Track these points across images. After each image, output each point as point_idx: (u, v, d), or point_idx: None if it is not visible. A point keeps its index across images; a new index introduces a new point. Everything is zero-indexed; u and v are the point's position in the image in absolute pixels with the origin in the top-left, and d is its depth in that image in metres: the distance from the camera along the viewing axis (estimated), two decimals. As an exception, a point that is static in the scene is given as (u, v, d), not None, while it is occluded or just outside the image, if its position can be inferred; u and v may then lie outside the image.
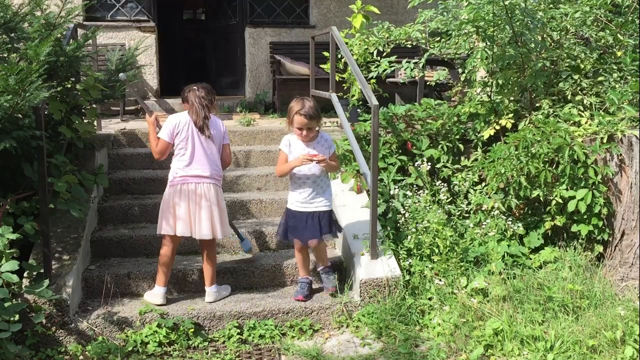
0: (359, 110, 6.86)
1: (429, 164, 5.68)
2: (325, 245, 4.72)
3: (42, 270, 4.19)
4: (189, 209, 4.38)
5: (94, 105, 5.45)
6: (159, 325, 4.17)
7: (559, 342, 3.93)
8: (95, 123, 5.79)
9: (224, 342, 4.25)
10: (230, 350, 4.12)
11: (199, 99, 4.45)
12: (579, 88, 5.69)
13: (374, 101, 4.79)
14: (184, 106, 4.55)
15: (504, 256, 4.92)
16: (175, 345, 4.13)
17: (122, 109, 8.18)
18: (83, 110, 5.34)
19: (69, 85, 5.12)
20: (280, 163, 4.42)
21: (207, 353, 4.09)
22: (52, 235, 4.51)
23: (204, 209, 4.40)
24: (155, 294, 4.44)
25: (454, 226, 5.24)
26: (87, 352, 3.98)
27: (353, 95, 6.69)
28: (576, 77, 5.70)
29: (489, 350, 4.00)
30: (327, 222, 4.48)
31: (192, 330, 4.21)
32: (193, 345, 4.17)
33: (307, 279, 4.72)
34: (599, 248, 4.92)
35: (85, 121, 5.30)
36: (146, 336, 4.11)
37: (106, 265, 4.80)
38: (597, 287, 4.48)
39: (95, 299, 4.46)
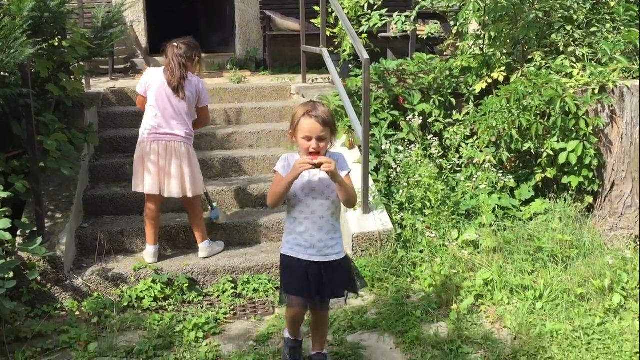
0: (350, 65, 6.80)
1: (421, 118, 5.67)
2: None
3: (35, 229, 4.20)
4: (158, 167, 4.36)
5: (81, 63, 5.38)
6: (153, 281, 4.22)
7: (548, 291, 4.00)
8: (83, 81, 5.73)
9: (218, 296, 4.30)
10: (225, 304, 4.18)
11: (177, 57, 4.36)
12: (571, 39, 5.64)
13: (365, 55, 4.74)
14: (164, 61, 4.50)
15: (494, 209, 4.96)
16: (171, 300, 4.18)
17: (111, 68, 8.07)
18: (70, 69, 5.27)
19: (55, 43, 5.03)
20: (274, 185, 3.01)
21: (202, 307, 4.15)
22: (44, 193, 4.51)
23: (173, 167, 4.36)
24: (146, 253, 4.47)
25: (446, 180, 5.26)
26: (83, 308, 4.02)
27: (344, 51, 6.62)
28: (569, 28, 5.65)
29: (479, 300, 4.07)
30: (345, 275, 3.09)
31: (187, 285, 4.26)
32: (188, 299, 4.22)
33: (296, 341, 3.38)
34: (589, 199, 4.96)
35: (73, 79, 5.24)
36: (141, 292, 4.16)
37: (99, 223, 4.82)
38: (586, 237, 4.54)
39: (90, 257, 4.49)
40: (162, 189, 4.39)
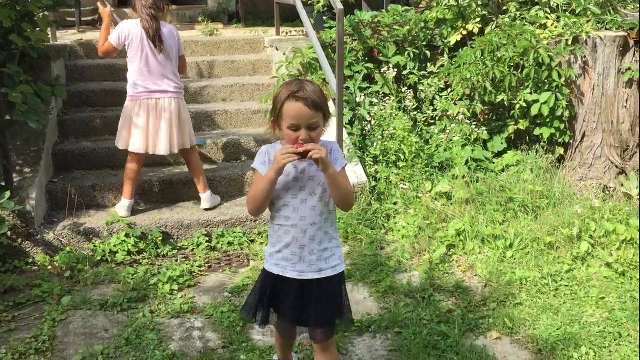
0: (324, 17, 6.67)
1: (396, 71, 5.63)
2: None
3: (2, 183, 4.12)
4: (147, 125, 4.28)
5: (46, 13, 5.19)
6: (127, 235, 4.19)
7: (518, 240, 4.08)
8: (49, 32, 5.54)
9: (193, 249, 4.30)
10: (200, 257, 4.18)
11: (146, 9, 4.23)
12: (546, -10, 5.60)
13: (339, 6, 4.65)
14: (133, 15, 4.36)
15: (467, 161, 5.00)
16: (145, 254, 4.17)
17: (78, 20, 7.83)
18: (35, 19, 5.08)
19: (18, -8, 4.83)
20: (252, 188, 2.44)
21: (176, 260, 4.14)
22: (11, 148, 4.41)
23: (163, 125, 4.30)
24: (120, 206, 4.43)
25: (420, 133, 5.27)
26: (55, 263, 3.99)
27: (318, 2, 6.48)
28: (544, -22, 5.60)
29: (452, 250, 4.13)
30: (339, 296, 2.50)
31: (161, 239, 4.24)
32: (162, 253, 4.21)
33: None
34: (560, 150, 5.02)
35: (38, 30, 5.06)
36: (115, 246, 4.13)
37: (70, 178, 4.74)
38: (556, 187, 4.61)
39: (61, 211, 4.43)
40: (149, 148, 4.34)
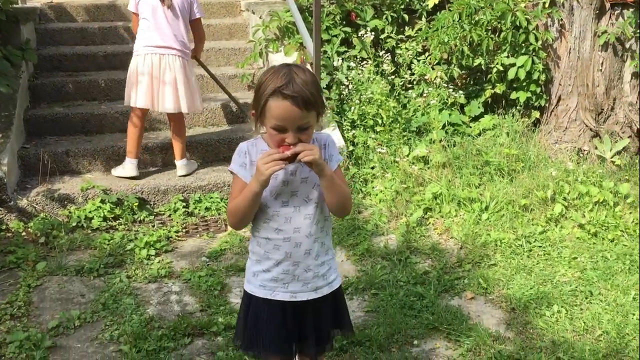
0: (301, -20, 6.56)
1: (373, 35, 5.58)
2: None
3: (-27, 149, 4.04)
4: (151, 79, 4.25)
5: (13, -26, 5.03)
6: (102, 201, 4.15)
7: (494, 203, 4.12)
8: (17, -6, 5.39)
9: (169, 215, 4.28)
10: (177, 222, 4.16)
11: None
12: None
13: (315, -34, 4.57)
14: None
15: (445, 125, 5.01)
16: (121, 219, 4.13)
17: (48, -18, 7.58)
18: (1, -20, 4.92)
19: (-18, -49, 4.68)
20: (232, 196, 1.97)
21: (153, 226, 4.12)
22: (-20, 113, 4.32)
23: (168, 82, 4.27)
24: (125, 167, 4.40)
25: (398, 97, 5.26)
26: (29, 229, 3.95)
27: (295, -36, 6.37)
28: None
29: (428, 213, 4.17)
30: (338, 311, 2.15)
31: (137, 204, 4.20)
32: (139, 219, 4.18)
33: None
34: (536, 114, 5.06)
35: (5, -9, 4.91)
36: (90, 212, 4.09)
37: (42, 144, 4.66)
38: (532, 151, 4.65)
39: (34, 178, 4.36)
40: (155, 104, 4.30)
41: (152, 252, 3.74)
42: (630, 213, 4.02)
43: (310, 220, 1.94)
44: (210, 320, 3.05)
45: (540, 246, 3.74)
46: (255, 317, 2.02)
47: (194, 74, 4.51)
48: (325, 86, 5.12)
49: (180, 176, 4.50)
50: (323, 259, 2.01)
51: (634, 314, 3.01)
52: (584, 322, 2.97)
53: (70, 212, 4.10)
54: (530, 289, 3.28)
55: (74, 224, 4.02)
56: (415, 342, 2.89)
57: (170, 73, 4.28)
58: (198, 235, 4.06)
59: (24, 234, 3.91)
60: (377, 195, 4.41)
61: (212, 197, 4.40)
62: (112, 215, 4.12)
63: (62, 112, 4.90)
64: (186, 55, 4.38)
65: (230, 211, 1.93)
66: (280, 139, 1.81)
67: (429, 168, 4.53)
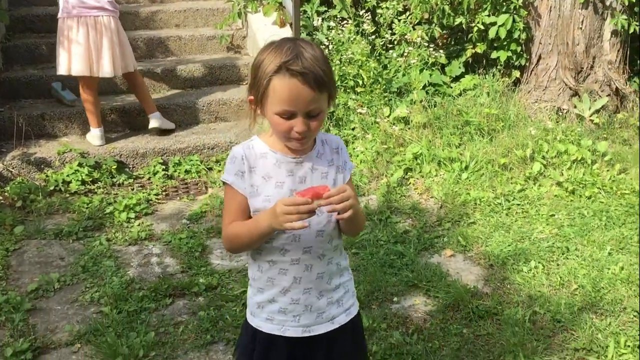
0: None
1: (354, -6, 5.49)
2: None
3: (-55, 113, 3.95)
4: (88, 43, 4.10)
5: None
6: (80, 165, 4.10)
7: (473, 162, 4.14)
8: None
9: (149, 178, 4.24)
10: (156, 185, 4.13)
11: None
12: None
13: None
14: None
15: (425, 85, 4.98)
16: (99, 183, 4.09)
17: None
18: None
19: None
20: (228, 213, 1.65)
21: (132, 189, 4.09)
22: (-49, 76, 4.21)
23: (106, 44, 4.13)
24: (92, 136, 4.33)
25: (378, 58, 5.21)
26: (6, 193, 3.89)
27: None
28: None
29: (409, 173, 4.18)
30: (356, 346, 1.81)
31: (115, 168, 4.16)
32: (117, 182, 4.14)
33: None
34: (516, 73, 5.05)
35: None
36: (68, 176, 4.04)
37: (17, 107, 4.57)
38: (511, 110, 4.66)
39: (9, 142, 4.28)
40: (92, 69, 4.16)
41: (132, 215, 3.72)
42: (608, 171, 4.06)
43: (323, 238, 1.61)
44: (191, 281, 3.05)
45: (518, 204, 3.78)
46: (264, 356, 1.67)
47: (124, 32, 4.35)
48: (305, 47, 5.04)
49: (152, 128, 4.41)
50: (338, 282, 1.68)
51: (609, 269, 3.07)
52: (560, 277, 3.02)
53: (47, 176, 4.05)
54: (509, 245, 3.32)
55: (52, 188, 3.98)
56: (395, 299, 2.92)
57: (107, 34, 4.13)
58: (178, 198, 4.03)
59: (0, 198, 3.86)
60: (357, 156, 4.40)
61: (191, 160, 4.37)
62: (91, 179, 4.08)
63: (36, 75, 4.80)
64: (117, 14, 4.24)
65: (227, 237, 1.61)
66: (288, 127, 1.49)
67: (409, 128, 4.53)
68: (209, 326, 2.71)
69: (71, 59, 4.10)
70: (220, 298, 2.92)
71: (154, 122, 4.44)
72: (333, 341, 1.68)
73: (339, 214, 1.46)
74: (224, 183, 1.61)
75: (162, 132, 4.49)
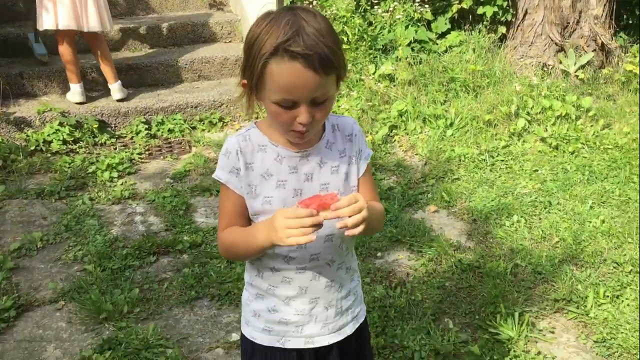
0: None
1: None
2: None
3: None
4: None
5: None
6: (61, 124, 4.03)
7: (458, 119, 4.13)
8: None
9: (132, 137, 4.20)
10: (139, 145, 4.09)
11: None
12: None
13: None
14: None
15: (411, 42, 4.92)
16: (81, 142, 4.04)
17: None
18: None
19: None
20: (223, 215, 1.44)
21: (115, 149, 4.05)
22: None
23: None
24: (72, 93, 4.24)
25: (363, 14, 5.13)
26: (-14, 153, 3.84)
27: None
28: None
29: (394, 131, 4.16)
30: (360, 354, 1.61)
31: (97, 127, 4.10)
32: (100, 142, 4.09)
33: None
34: (502, 29, 5.00)
35: None
36: (49, 135, 3.99)
37: (-6, 66, 4.48)
38: (497, 66, 4.63)
39: (-13, 101, 4.21)
40: (80, 23, 4.04)
41: (115, 174, 3.69)
42: (591, 126, 4.07)
43: (333, 243, 1.40)
44: (175, 238, 3.05)
45: (502, 160, 3.79)
46: None
47: None
48: (288, 3, 4.95)
49: (118, 100, 4.32)
50: (348, 288, 1.50)
51: (590, 222, 3.10)
52: (542, 231, 3.05)
53: (28, 136, 3.99)
54: (492, 201, 3.34)
55: (33, 148, 3.92)
56: (379, 254, 2.94)
57: None
58: (161, 157, 4.00)
59: (-20, 158, 3.80)
60: (343, 114, 4.37)
61: (174, 119, 4.32)
62: (72, 139, 4.02)
63: (13, 33, 4.69)
64: None
65: (223, 244, 1.42)
66: (290, 118, 1.25)
67: (394, 86, 4.49)
68: (194, 282, 2.72)
69: (57, 13, 3.98)
70: (204, 255, 2.93)
71: (116, 94, 4.31)
72: (339, 351, 1.51)
73: (348, 228, 1.23)
74: (218, 181, 1.39)
75: (123, 99, 4.38)
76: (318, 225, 1.22)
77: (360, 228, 1.24)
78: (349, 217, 1.22)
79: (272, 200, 1.35)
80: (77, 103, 4.22)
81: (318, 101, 1.24)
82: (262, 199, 1.35)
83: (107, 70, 4.30)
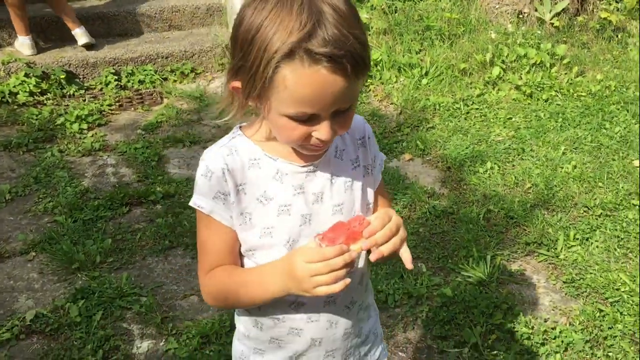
0: None
1: None
2: None
3: None
4: None
5: None
6: (26, 75, 3.91)
7: (434, 68, 4.09)
8: None
9: (101, 89, 4.09)
10: (109, 96, 3.99)
11: None
12: None
13: None
14: None
15: (386, -10, 4.83)
16: (49, 94, 3.93)
17: None
18: None
19: None
20: (206, 253, 1.10)
21: (84, 100, 3.95)
22: None
23: None
24: (20, 45, 4.09)
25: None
26: (-51, 106, 3.72)
27: None
28: None
29: (369, 80, 4.11)
30: None
31: (64, 78, 3.99)
32: (68, 93, 3.99)
33: None
34: (479, -24, 4.93)
35: None
36: (14, 86, 3.86)
37: (-46, 15, 4.29)
38: (473, 14, 4.58)
39: (-52, 52, 4.06)
40: None
41: (84, 126, 3.61)
42: (566, 74, 4.07)
43: (353, 279, 1.07)
44: (148, 189, 3.01)
45: (477, 108, 3.78)
46: None
47: None
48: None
49: (83, 45, 4.18)
50: (368, 328, 1.22)
51: (562, 167, 3.12)
52: (515, 177, 3.07)
53: (-8, 88, 3.87)
54: (466, 148, 3.34)
55: (-2, 100, 3.81)
56: (353, 201, 2.93)
57: None
58: (132, 109, 3.92)
59: (-57, 111, 3.69)
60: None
61: (145, 70, 4.22)
62: (39, 90, 3.91)
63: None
64: None
65: (209, 292, 1.11)
66: (303, 133, 0.97)
67: (370, 35, 4.42)
68: (167, 232, 2.70)
69: None
70: (177, 205, 2.90)
71: (82, 38, 4.16)
72: None
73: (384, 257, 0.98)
74: (197, 209, 1.07)
75: (90, 47, 4.24)
76: (351, 264, 0.95)
77: (404, 250, 1.00)
78: (385, 242, 0.96)
79: (273, 232, 1.05)
80: (27, 55, 4.05)
81: (342, 109, 0.96)
82: (261, 231, 1.05)
83: (67, 18, 4.15)
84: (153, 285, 2.41)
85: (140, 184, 3.10)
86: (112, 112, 3.85)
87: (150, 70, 4.22)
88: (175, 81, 4.24)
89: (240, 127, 1.08)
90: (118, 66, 4.18)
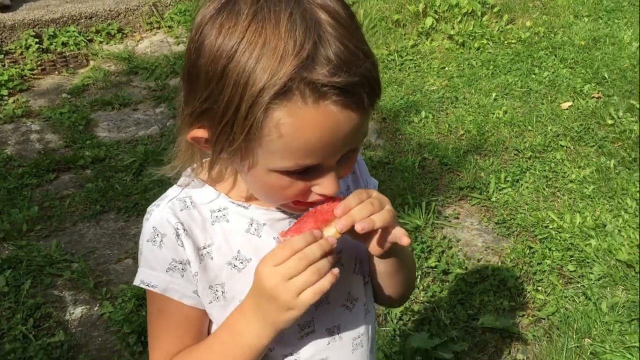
0: None
1: None
2: None
3: None
4: None
5: None
6: (-63, 41, 3.68)
7: (367, 20, 4.06)
8: None
9: (21, 53, 3.88)
10: (31, 60, 3.79)
11: None
12: None
13: None
14: None
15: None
16: (-36, 60, 3.71)
17: None
18: None
19: None
20: (161, 338, 0.85)
21: (4, 66, 3.74)
22: None
23: None
24: None
25: None
26: None
27: None
28: None
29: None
30: None
31: (-20, 42, 3.77)
32: (-15, 59, 3.78)
33: None
34: None
35: None
36: None
37: None
38: (404, -35, 4.54)
39: None
40: None
41: (5, 92, 3.44)
42: (496, 22, 4.11)
43: (357, 314, 0.94)
44: (76, 154, 2.90)
45: (411, 59, 3.79)
46: None
47: None
48: None
49: (4, 7, 3.97)
50: (374, 337, 1.01)
51: (493, 113, 3.17)
52: (449, 125, 3.10)
53: None
54: (401, 99, 3.35)
55: None
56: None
57: None
58: (56, 72, 3.75)
59: None
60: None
61: (68, 31, 4.02)
62: (-47, 56, 3.69)
63: None
64: None
65: None
66: (299, 191, 0.77)
67: None
68: (98, 197, 2.61)
69: None
70: (108, 169, 2.81)
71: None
72: None
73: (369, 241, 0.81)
74: (145, 288, 0.84)
75: (5, 8, 4.01)
76: (331, 252, 0.75)
77: (397, 230, 0.81)
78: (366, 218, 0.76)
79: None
80: None
81: (349, 157, 0.77)
82: (227, 309, 0.82)
83: None
84: (85, 251, 2.34)
85: (67, 149, 2.98)
86: (35, 76, 3.67)
87: (74, 31, 4.03)
88: (101, 42, 4.07)
89: (192, 169, 0.82)
90: (39, 28, 3.97)
